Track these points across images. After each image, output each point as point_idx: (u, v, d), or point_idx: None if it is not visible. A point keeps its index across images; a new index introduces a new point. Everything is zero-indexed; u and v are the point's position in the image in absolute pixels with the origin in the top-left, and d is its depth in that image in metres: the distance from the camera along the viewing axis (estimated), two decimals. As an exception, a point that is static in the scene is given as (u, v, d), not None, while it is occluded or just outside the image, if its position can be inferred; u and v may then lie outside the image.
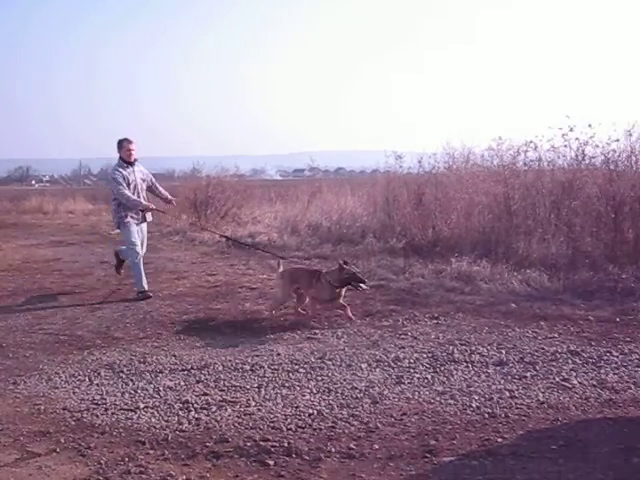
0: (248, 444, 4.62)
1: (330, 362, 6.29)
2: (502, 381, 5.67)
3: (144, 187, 10.19)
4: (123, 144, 9.91)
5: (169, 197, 10.60)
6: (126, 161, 9.92)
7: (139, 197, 10.00)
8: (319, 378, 5.90)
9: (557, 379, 5.68)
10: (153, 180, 10.48)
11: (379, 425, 4.88)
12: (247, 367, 6.24)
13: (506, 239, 11.02)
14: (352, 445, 4.56)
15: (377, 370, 6.05)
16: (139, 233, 10.06)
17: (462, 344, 6.69)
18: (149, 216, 10.35)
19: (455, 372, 5.94)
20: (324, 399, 5.41)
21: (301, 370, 6.11)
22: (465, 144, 14.50)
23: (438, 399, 5.35)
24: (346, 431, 4.80)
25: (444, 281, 9.44)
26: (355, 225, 14.90)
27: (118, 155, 10.01)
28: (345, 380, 5.82)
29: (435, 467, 4.23)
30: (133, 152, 9.92)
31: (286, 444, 4.60)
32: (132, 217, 9.89)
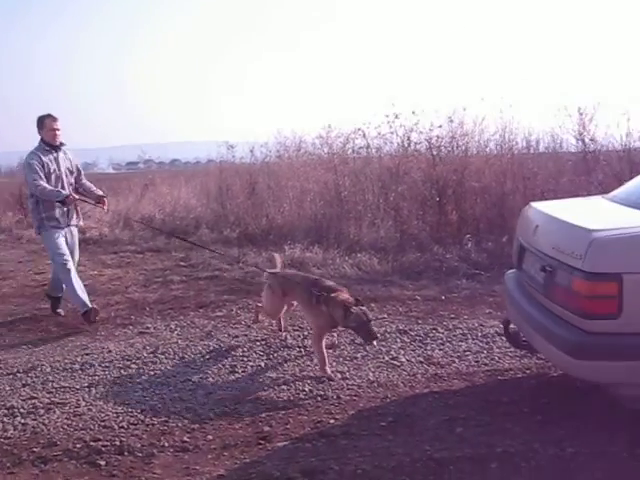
0: (78, 446, 4.46)
1: (163, 356, 6.17)
2: (334, 363, 5.76)
3: (72, 180, 7.81)
4: (45, 122, 7.55)
5: (99, 193, 8.00)
6: (49, 144, 7.57)
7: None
8: (152, 373, 5.78)
9: (386, 358, 5.86)
10: (81, 174, 8.05)
11: (213, 416, 4.84)
12: (77, 367, 6.01)
13: (337, 225, 11.23)
14: (186, 438, 4.51)
15: (211, 361, 6.01)
16: (67, 237, 7.72)
17: (295, 330, 6.75)
18: (76, 218, 7.87)
19: (288, 358, 6.00)
20: (157, 394, 5.31)
21: (133, 366, 5.96)
22: (296, 133, 14.67)
23: (272, 386, 5.37)
24: (179, 424, 4.73)
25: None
26: (189, 217, 14.71)
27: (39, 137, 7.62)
28: (178, 373, 5.74)
29: (269, 453, 4.26)
30: (58, 133, 7.61)
31: (118, 442, 4.48)
32: (56, 219, 7.51)
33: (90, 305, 7.49)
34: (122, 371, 5.86)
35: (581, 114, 11.64)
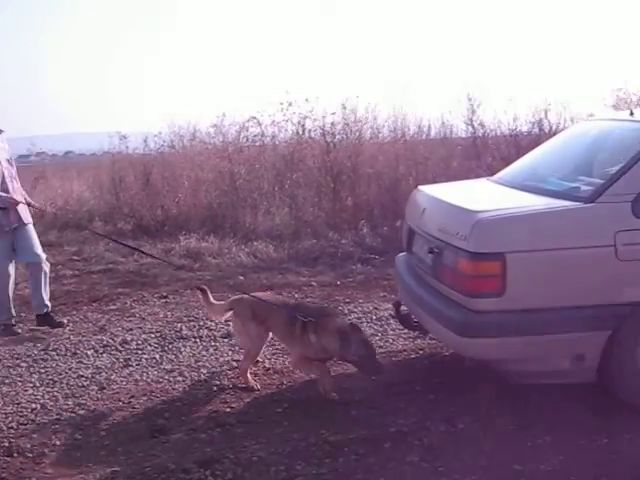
0: (-36, 450, 4.30)
1: (54, 352, 6.01)
2: (230, 352, 5.75)
3: (13, 173, 6.69)
4: None
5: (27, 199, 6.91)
6: None
7: (6, 187, 6.52)
8: (42, 370, 5.61)
9: (281, 345, 5.85)
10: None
11: (106, 411, 4.75)
12: (-37, 368, 5.79)
13: (233, 214, 11.19)
14: (78, 435, 4.43)
15: (104, 355, 5.89)
16: (10, 241, 6.62)
17: (190, 320, 6.69)
18: (25, 214, 6.68)
19: (184, 349, 5.93)
20: (48, 392, 5.17)
21: (23, 364, 5.77)
22: (190, 122, 14.49)
23: (167, 378, 5.31)
24: (72, 422, 4.62)
25: (173, 259, 9.37)
26: (82, 210, 14.35)
27: None
28: (70, 369, 5.60)
29: (164, 445, 4.21)
30: None
31: (7, 444, 4.34)
32: None
33: (11, 322, 6.71)
34: (11, 370, 5.67)
35: (470, 100, 11.98)
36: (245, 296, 5.26)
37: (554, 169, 5.23)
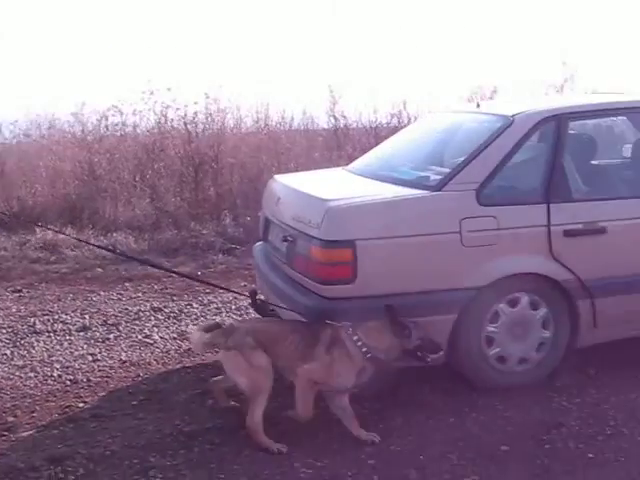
0: None
1: None
2: (85, 346, 5.61)
3: None
4: None
5: None
6: None
7: None
8: None
9: (139, 337, 5.79)
10: None
11: (-51, 414, 4.55)
12: None
13: (92, 205, 10.87)
14: None
15: (-50, 353, 5.63)
16: None
17: (45, 314, 6.48)
18: None
19: (37, 344, 5.73)
20: None
21: None
22: (48, 110, 13.99)
23: (18, 374, 5.11)
24: None
25: (28, 252, 9.02)
26: None
27: None
28: None
29: (13, 444, 4.06)
30: None
31: None
32: None
33: None
34: None
35: (332, 92, 12.15)
36: (237, 325, 4.29)
37: (407, 159, 5.38)
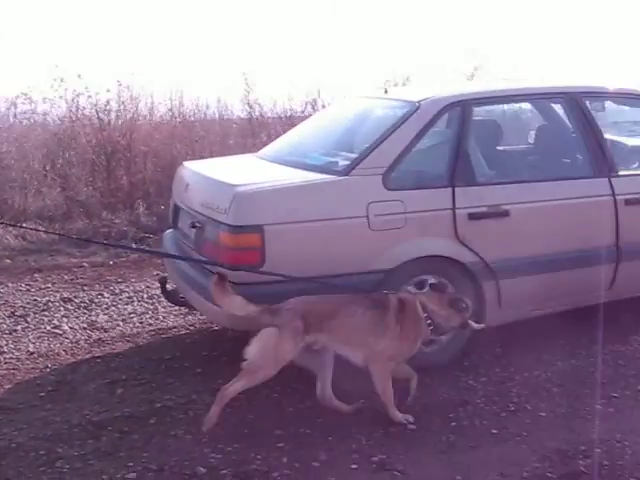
0: None
1: None
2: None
3: None
4: None
5: None
6: None
7: None
8: None
9: (48, 328, 5.68)
10: None
11: None
12: None
13: (0, 195, 10.60)
14: None
15: None
16: None
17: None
18: None
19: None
20: None
21: None
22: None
23: None
24: None
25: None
26: None
27: None
28: None
29: None
30: None
31: None
32: None
33: None
34: None
35: (246, 79, 12.09)
36: (294, 302, 3.87)
37: (317, 145, 5.42)
